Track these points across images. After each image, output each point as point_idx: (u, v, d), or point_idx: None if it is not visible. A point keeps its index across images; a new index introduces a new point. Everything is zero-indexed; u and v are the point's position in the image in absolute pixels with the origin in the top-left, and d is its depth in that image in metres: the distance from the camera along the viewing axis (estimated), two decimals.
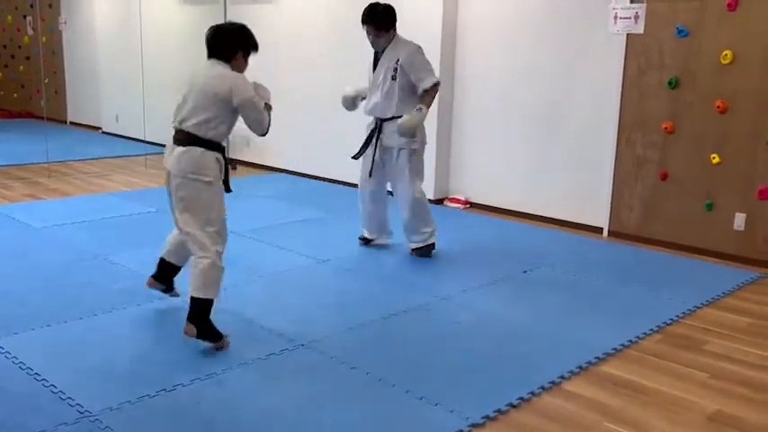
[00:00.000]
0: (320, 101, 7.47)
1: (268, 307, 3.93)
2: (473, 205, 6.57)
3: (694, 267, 4.91)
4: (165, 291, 3.80)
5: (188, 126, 3.30)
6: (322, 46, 7.42)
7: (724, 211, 5.06)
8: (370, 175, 4.88)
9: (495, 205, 6.42)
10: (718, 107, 4.97)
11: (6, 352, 3.21)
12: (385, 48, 4.71)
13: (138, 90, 9.20)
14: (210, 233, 3.29)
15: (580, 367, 3.24)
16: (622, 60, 5.41)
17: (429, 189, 6.67)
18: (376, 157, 4.82)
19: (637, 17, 5.28)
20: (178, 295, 3.80)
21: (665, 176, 5.31)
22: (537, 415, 2.84)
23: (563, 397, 2.99)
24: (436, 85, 4.64)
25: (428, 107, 4.62)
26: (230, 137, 7.14)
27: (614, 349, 3.45)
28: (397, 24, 4.73)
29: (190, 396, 2.88)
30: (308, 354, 3.31)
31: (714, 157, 5.04)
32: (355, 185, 7.15)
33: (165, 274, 3.75)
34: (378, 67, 4.73)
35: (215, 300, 3.30)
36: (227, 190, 3.45)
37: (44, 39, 11.55)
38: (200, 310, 3.25)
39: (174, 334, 3.48)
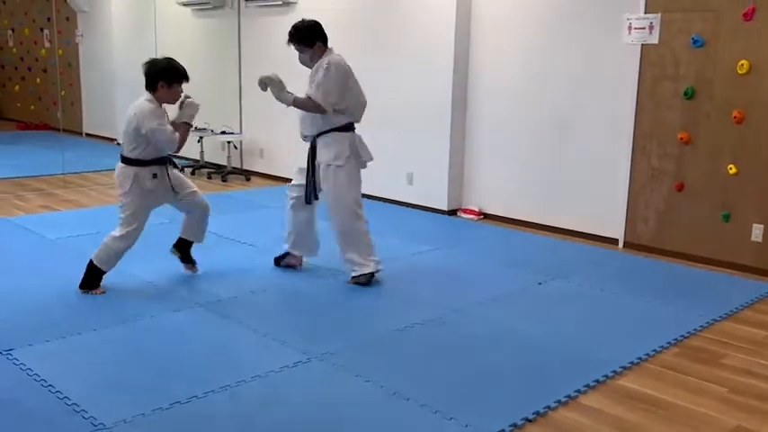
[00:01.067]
0: None
1: (282, 319, 3.92)
2: (486, 216, 6.55)
3: (711, 279, 4.85)
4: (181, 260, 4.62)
5: (124, 152, 4.19)
6: (339, 52, 7.43)
7: (741, 222, 5.00)
8: (308, 202, 4.54)
9: (508, 216, 6.39)
10: (735, 117, 4.93)
11: (21, 363, 3.21)
12: (310, 65, 4.42)
13: None
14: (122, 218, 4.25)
15: (597, 381, 3.21)
16: (637, 71, 5.38)
17: (442, 200, 6.67)
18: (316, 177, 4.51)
19: (651, 27, 5.26)
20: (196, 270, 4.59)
21: (681, 187, 5.27)
22: (553, 430, 2.80)
23: (579, 411, 2.95)
24: (313, 101, 4.26)
25: (296, 103, 4.28)
26: (242, 148, 7.12)
27: (631, 363, 3.41)
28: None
29: (204, 409, 2.87)
30: (323, 367, 3.29)
31: (731, 168, 4.99)
32: (373, 197, 7.18)
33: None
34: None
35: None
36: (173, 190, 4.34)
37: (60, 51, 11.70)
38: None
39: (189, 345, 3.49)
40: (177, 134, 4.11)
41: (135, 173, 4.15)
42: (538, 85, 6.04)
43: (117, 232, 4.25)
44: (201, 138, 8.64)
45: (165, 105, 4.20)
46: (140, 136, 4.06)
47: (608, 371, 3.30)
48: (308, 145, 4.53)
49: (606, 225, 5.73)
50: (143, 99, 4.12)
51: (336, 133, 4.39)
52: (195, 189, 4.52)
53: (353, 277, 4.48)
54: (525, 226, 6.22)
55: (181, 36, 9.43)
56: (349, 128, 4.44)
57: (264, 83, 4.32)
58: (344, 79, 4.31)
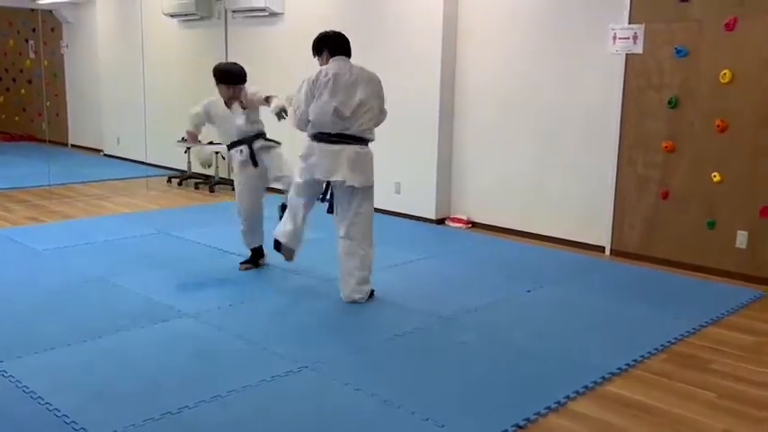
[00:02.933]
0: None
1: (272, 329, 3.92)
2: (475, 225, 6.58)
3: (697, 286, 4.91)
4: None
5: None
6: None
7: (726, 229, 5.07)
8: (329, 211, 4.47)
9: (496, 225, 6.43)
10: (718, 126, 5.00)
11: (10, 376, 3.19)
12: None
13: (140, 113, 9.26)
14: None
15: (586, 387, 3.23)
16: (622, 80, 5.45)
17: (430, 209, 6.70)
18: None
19: (635, 37, 5.33)
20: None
21: (666, 195, 5.33)
22: None
23: (570, 417, 2.97)
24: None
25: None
26: (229, 159, 7.10)
27: (620, 369, 3.44)
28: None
29: (195, 419, 2.86)
30: (313, 376, 3.29)
31: (715, 176, 5.06)
32: None
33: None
34: None
35: None
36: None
37: (46, 62, 11.65)
38: None
39: (178, 356, 3.48)
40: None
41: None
42: (525, 94, 6.10)
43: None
44: (189, 149, 8.62)
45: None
46: None
47: (597, 377, 3.33)
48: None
49: (593, 233, 5.79)
50: None
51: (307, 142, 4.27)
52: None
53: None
54: (514, 234, 6.26)
55: (167, 47, 9.43)
56: (316, 137, 4.20)
57: (282, 111, 4.43)
58: (310, 90, 4.15)
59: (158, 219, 6.69)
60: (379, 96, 4.30)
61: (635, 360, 3.55)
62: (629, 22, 5.36)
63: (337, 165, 4.14)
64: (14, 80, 13.14)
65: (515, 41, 6.11)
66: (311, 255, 5.30)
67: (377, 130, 4.37)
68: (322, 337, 3.81)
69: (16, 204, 7.27)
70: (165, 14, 9.00)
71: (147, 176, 8.66)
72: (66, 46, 11.61)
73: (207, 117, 4.97)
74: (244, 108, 4.84)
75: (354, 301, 4.32)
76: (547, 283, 4.84)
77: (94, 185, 8.52)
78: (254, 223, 4.97)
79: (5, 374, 3.21)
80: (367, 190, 4.28)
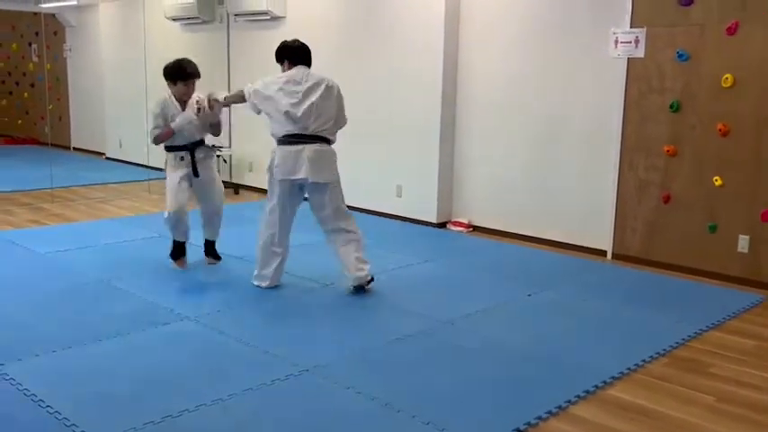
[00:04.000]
0: None
1: (272, 332, 3.92)
2: (476, 228, 6.58)
3: (699, 290, 4.90)
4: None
5: None
6: (329, 64, 7.48)
7: (727, 233, 5.06)
8: None
9: (497, 228, 6.42)
10: (720, 130, 5.00)
11: (11, 379, 3.19)
12: None
13: (142, 116, 9.25)
14: None
15: (587, 391, 3.22)
16: (623, 84, 5.45)
17: (431, 212, 6.70)
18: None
19: (637, 41, 5.33)
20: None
21: (667, 199, 5.33)
22: None
23: (570, 421, 2.97)
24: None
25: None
26: (231, 162, 7.10)
27: (620, 373, 3.43)
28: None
29: (195, 422, 2.86)
30: (313, 379, 3.29)
31: (716, 180, 5.06)
32: (361, 209, 7.19)
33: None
34: None
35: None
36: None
37: (48, 66, 11.68)
38: None
39: (179, 359, 3.48)
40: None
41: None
42: (526, 97, 6.10)
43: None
44: None
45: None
46: None
47: (598, 381, 3.33)
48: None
49: (594, 237, 5.78)
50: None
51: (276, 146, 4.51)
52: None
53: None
54: (514, 238, 6.25)
55: (170, 50, 9.40)
56: (282, 141, 4.43)
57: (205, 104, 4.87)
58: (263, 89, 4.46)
59: (159, 222, 6.67)
60: (337, 102, 4.53)
61: (636, 364, 3.55)
62: (631, 26, 5.36)
63: (299, 164, 4.39)
64: (17, 83, 13.18)
65: (517, 46, 6.11)
66: (309, 258, 5.32)
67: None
68: (322, 340, 3.81)
69: (18, 207, 7.28)
70: (168, 18, 9.02)
71: (149, 180, 8.67)
72: (69, 49, 11.64)
73: (164, 118, 4.86)
74: (199, 110, 4.82)
75: (362, 286, 4.57)
76: (548, 286, 4.83)
77: (96, 188, 8.54)
78: (180, 219, 4.90)
79: (6, 377, 3.21)
80: (334, 184, 4.56)
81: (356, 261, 4.55)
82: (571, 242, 5.93)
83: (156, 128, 4.86)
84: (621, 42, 5.42)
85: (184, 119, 4.83)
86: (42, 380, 3.20)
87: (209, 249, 5.25)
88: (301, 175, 4.39)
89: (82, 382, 3.21)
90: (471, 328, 4.03)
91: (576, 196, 5.87)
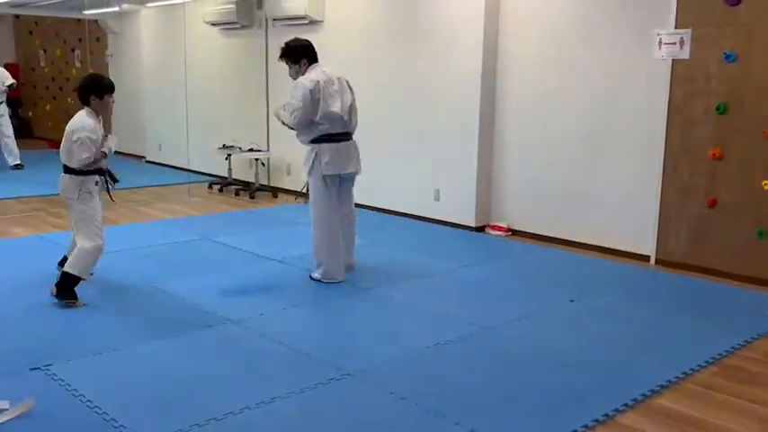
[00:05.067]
0: (361, 127, 7.51)
1: (314, 335, 3.93)
2: (515, 233, 6.52)
3: (747, 297, 4.78)
4: None
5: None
6: (366, 68, 7.49)
7: None
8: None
9: (537, 233, 6.35)
10: None
11: (60, 379, 3.25)
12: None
13: (182, 120, 9.39)
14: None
15: (635, 400, 3.16)
16: (668, 86, 5.35)
17: (470, 216, 6.66)
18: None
19: (682, 42, 5.23)
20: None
21: (713, 204, 5.21)
22: None
23: (617, 431, 2.91)
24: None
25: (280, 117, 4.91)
26: (269, 165, 7.21)
27: (669, 381, 3.36)
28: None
29: (239, 425, 2.88)
30: (356, 384, 3.29)
31: (765, 184, 4.93)
32: (399, 213, 7.19)
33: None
34: None
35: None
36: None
37: (91, 71, 11.90)
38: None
39: (222, 361, 3.51)
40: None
41: (80, 180, 4.39)
42: (567, 99, 6.03)
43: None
44: (229, 155, 8.73)
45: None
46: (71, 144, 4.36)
47: (645, 390, 3.26)
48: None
49: (637, 241, 5.68)
50: (80, 112, 4.46)
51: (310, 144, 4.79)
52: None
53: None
54: (555, 242, 6.18)
55: (209, 55, 9.56)
56: (326, 139, 4.72)
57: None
58: (311, 95, 4.64)
59: (201, 225, 6.78)
60: (353, 95, 4.91)
61: (684, 373, 3.47)
62: (676, 27, 5.26)
63: (348, 159, 4.79)
64: (61, 89, 13.46)
65: (557, 47, 6.04)
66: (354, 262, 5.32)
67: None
68: (364, 344, 3.81)
69: (63, 209, 7.41)
70: (207, 23, 9.13)
71: (189, 182, 8.78)
72: (111, 55, 11.85)
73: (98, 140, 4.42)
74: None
75: (350, 266, 5.01)
76: (590, 292, 4.76)
77: (137, 191, 8.66)
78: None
79: (55, 377, 3.27)
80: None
81: (351, 249, 5.04)
82: (612, 246, 5.83)
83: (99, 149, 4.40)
84: (665, 43, 5.32)
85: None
86: (90, 381, 3.25)
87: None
88: (351, 169, 4.84)
89: (128, 384, 3.25)
90: (515, 333, 3.99)
91: (618, 200, 5.78)
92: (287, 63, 4.86)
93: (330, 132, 4.71)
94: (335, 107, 4.67)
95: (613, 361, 3.62)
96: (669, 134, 5.40)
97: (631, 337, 3.98)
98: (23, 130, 14.36)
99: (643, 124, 5.57)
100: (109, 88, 4.45)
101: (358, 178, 5.08)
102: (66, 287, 4.30)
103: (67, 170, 4.41)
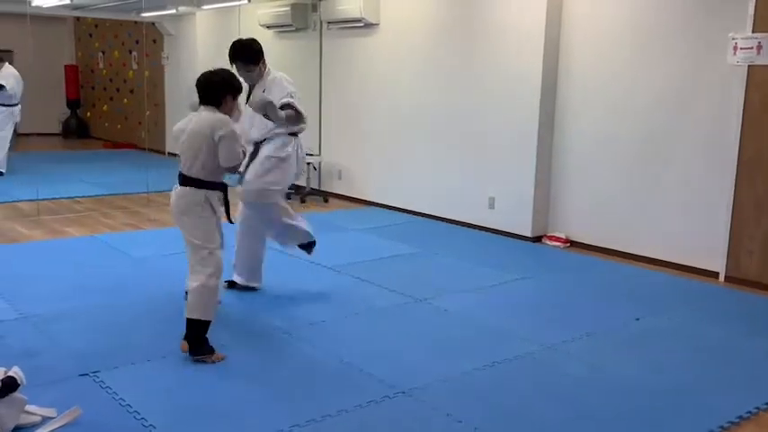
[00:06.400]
0: (415, 131, 7.38)
1: (365, 348, 3.78)
2: (573, 244, 6.26)
3: None
4: None
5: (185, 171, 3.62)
6: (422, 72, 7.34)
7: None
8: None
9: (597, 244, 6.09)
10: None
11: (107, 387, 3.18)
12: (256, 81, 4.83)
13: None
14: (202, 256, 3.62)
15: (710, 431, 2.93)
16: (743, 93, 5.05)
17: (526, 226, 6.43)
18: None
19: (759, 48, 4.93)
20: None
21: None
22: None
23: None
24: (295, 110, 4.64)
25: (287, 118, 4.56)
26: (320, 170, 7.04)
27: (749, 413, 3.11)
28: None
29: None
30: (410, 403, 3.13)
31: None
32: (452, 221, 7.01)
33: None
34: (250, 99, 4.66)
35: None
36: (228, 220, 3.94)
37: (147, 73, 12.05)
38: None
39: (273, 375, 3.39)
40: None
41: (206, 195, 3.62)
42: (631, 104, 5.76)
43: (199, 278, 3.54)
44: None
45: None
46: (211, 147, 3.59)
47: (723, 421, 3.02)
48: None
49: (705, 257, 5.37)
50: (207, 112, 3.75)
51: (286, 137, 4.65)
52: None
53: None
54: (616, 255, 5.91)
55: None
56: (295, 135, 4.71)
57: (265, 106, 4.31)
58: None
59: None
60: None
61: (766, 403, 3.20)
62: (753, 31, 4.96)
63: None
64: (118, 90, 13.68)
65: (623, 50, 5.78)
66: (404, 271, 5.17)
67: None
68: (417, 359, 3.64)
69: (116, 210, 7.47)
70: (262, 26, 9.11)
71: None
72: (167, 57, 11.97)
73: None
74: None
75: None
76: (657, 310, 4.50)
77: None
78: None
79: (102, 385, 3.20)
80: None
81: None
82: (678, 262, 5.54)
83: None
84: (741, 48, 5.02)
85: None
86: (137, 389, 3.17)
87: None
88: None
89: (175, 393, 3.16)
90: (576, 354, 3.77)
91: (685, 213, 5.48)
92: (249, 66, 4.74)
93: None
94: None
95: (685, 387, 3.37)
96: (743, 144, 5.10)
97: (704, 361, 3.72)
98: (81, 130, 14.70)
99: (714, 133, 5.27)
100: (241, 88, 3.85)
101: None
102: (197, 338, 3.51)
103: (189, 181, 3.59)
